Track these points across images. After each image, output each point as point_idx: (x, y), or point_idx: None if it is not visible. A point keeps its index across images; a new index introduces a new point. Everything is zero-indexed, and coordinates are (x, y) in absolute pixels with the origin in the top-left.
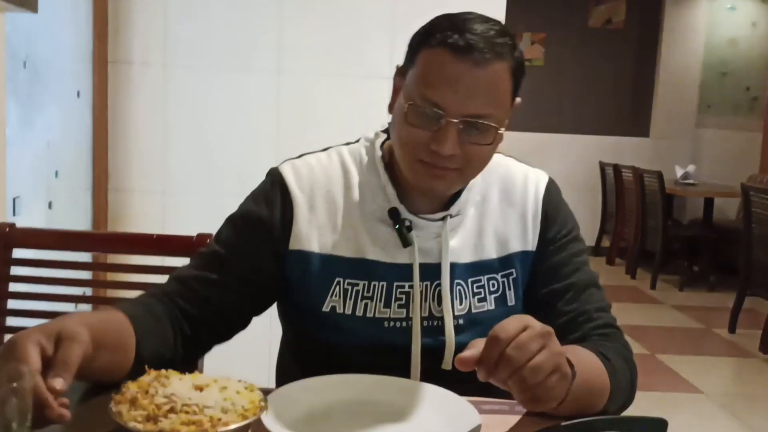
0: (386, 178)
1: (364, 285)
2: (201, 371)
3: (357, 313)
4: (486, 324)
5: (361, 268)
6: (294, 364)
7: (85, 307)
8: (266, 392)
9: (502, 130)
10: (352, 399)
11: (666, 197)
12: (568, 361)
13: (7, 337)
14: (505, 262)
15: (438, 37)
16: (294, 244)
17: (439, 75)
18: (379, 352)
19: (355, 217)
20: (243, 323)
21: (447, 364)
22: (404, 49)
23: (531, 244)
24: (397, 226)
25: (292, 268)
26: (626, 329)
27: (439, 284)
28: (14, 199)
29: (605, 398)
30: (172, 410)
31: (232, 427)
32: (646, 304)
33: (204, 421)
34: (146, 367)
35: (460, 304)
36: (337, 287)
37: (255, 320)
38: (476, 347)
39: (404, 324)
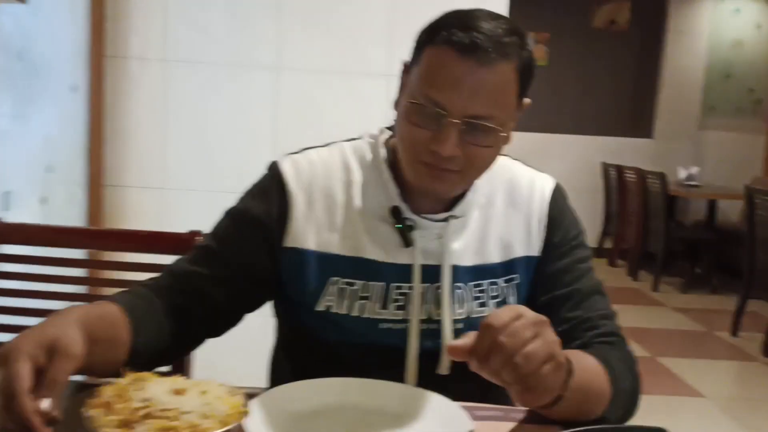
0: (389, 175)
1: (360, 285)
2: (195, 370)
3: (352, 313)
4: None
5: (358, 267)
6: (287, 363)
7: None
8: (251, 396)
9: (504, 132)
10: (340, 404)
11: (669, 199)
12: (566, 358)
13: None
14: (508, 266)
15: (443, 35)
16: (289, 241)
17: (442, 74)
18: (374, 353)
19: (354, 214)
20: (235, 319)
21: (444, 369)
22: (403, 47)
23: (535, 250)
24: (399, 226)
25: (287, 265)
26: (627, 331)
27: (439, 286)
28: (6, 194)
29: (604, 403)
30: (148, 416)
31: None
32: (647, 306)
33: (181, 428)
34: (121, 369)
35: (460, 307)
36: (333, 286)
37: (250, 318)
38: (470, 338)
39: (401, 326)
